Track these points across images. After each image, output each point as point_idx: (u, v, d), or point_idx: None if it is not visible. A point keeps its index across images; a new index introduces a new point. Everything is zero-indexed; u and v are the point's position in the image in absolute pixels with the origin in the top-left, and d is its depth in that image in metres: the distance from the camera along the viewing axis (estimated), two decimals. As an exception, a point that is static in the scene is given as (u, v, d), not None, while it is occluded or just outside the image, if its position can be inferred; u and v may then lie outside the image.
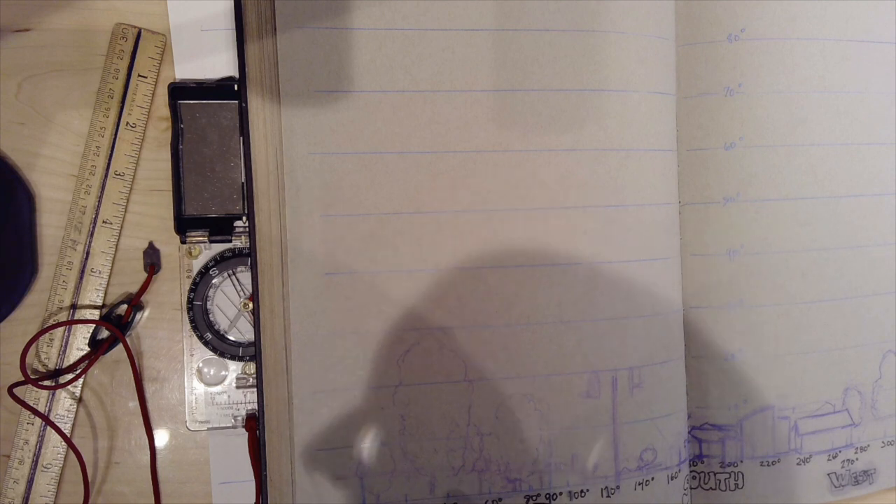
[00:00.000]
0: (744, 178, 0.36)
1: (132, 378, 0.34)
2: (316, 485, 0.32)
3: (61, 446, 0.33)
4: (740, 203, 0.36)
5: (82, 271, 0.34)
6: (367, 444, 0.33)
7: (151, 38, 0.34)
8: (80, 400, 0.34)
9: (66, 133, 0.34)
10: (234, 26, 0.32)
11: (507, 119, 0.33)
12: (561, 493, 0.34)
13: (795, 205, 0.36)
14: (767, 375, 0.36)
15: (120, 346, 0.34)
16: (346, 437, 0.33)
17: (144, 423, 0.34)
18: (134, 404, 0.34)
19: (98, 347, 0.33)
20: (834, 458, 0.37)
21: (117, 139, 0.34)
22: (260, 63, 0.32)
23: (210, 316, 0.34)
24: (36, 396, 0.33)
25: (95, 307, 0.34)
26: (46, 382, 0.33)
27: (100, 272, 0.34)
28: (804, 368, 0.37)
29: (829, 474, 0.37)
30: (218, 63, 0.34)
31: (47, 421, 0.33)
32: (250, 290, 0.34)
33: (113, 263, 0.34)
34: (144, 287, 0.34)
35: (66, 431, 0.34)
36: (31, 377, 0.33)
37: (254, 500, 0.34)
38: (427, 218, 0.33)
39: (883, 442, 0.38)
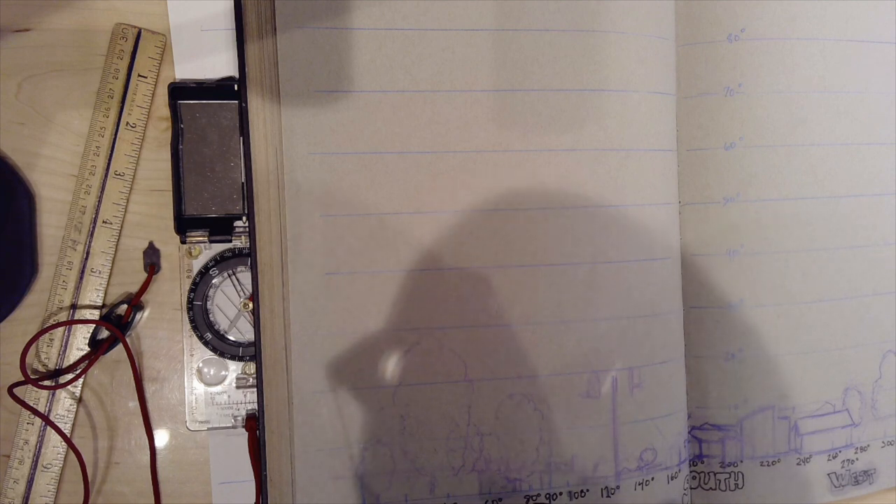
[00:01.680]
0: (744, 178, 0.36)
1: (132, 378, 0.34)
2: (316, 485, 0.32)
3: (61, 446, 0.33)
4: (740, 203, 0.36)
5: (82, 271, 0.34)
6: (367, 444, 0.33)
7: (151, 38, 0.34)
8: (80, 400, 0.34)
9: (66, 133, 0.34)
10: (234, 26, 0.32)
11: (507, 119, 0.33)
12: (561, 493, 0.34)
13: (795, 205, 0.36)
14: (767, 375, 0.36)
15: (120, 346, 0.34)
16: (345, 437, 0.33)
17: (144, 423, 0.34)
18: (134, 404, 0.34)
19: (98, 347, 0.33)
20: (834, 458, 0.37)
21: (117, 139, 0.34)
22: (260, 63, 0.32)
23: (210, 316, 0.34)
24: (36, 396, 0.33)
25: (95, 307, 0.34)
26: (46, 382, 0.33)
27: (100, 272, 0.34)
28: (804, 368, 0.37)
29: (829, 474, 0.37)
30: (218, 63, 0.34)
31: (47, 421, 0.33)
32: (250, 290, 0.34)
33: (113, 263, 0.34)
34: (144, 287, 0.34)
35: (66, 431, 0.34)
36: (31, 377, 0.33)
37: (254, 500, 0.34)
38: (427, 218, 0.33)
39: (883, 442, 0.38)
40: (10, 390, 0.32)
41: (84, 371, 0.33)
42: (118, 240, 0.34)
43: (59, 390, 0.34)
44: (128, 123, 0.34)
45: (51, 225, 0.34)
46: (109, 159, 0.34)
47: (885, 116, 0.37)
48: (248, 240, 0.34)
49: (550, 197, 0.34)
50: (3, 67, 0.33)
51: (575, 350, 0.34)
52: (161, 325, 0.35)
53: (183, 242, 0.34)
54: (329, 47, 0.32)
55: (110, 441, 0.34)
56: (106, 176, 0.34)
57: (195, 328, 0.34)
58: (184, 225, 0.34)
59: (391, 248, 0.33)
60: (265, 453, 0.32)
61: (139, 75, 0.34)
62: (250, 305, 0.34)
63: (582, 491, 0.34)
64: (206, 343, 0.34)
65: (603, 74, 0.34)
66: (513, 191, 0.34)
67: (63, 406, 0.34)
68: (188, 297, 0.34)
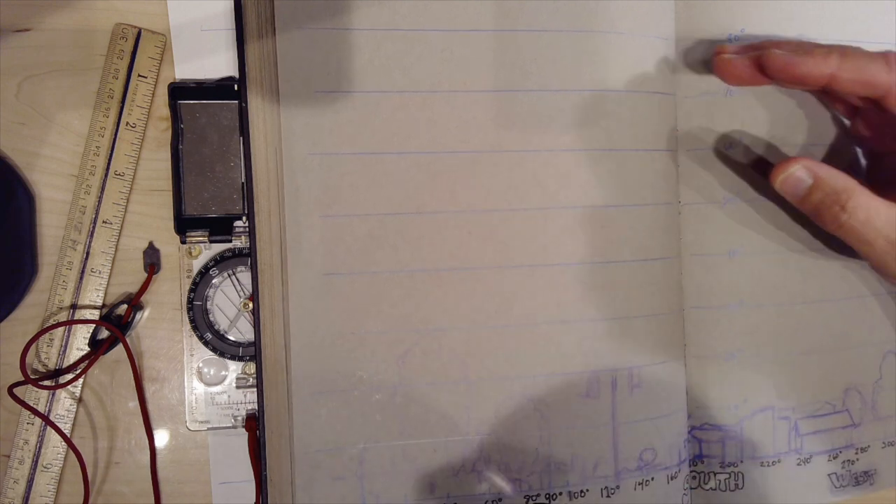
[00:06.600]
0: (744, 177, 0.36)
1: (132, 378, 0.34)
2: (316, 485, 0.32)
3: (61, 446, 0.34)
4: (740, 203, 0.36)
5: (82, 271, 0.34)
6: (367, 445, 0.33)
7: (151, 38, 0.34)
8: (80, 400, 0.34)
9: (66, 133, 0.34)
10: (234, 26, 0.32)
11: (506, 119, 0.33)
12: (561, 494, 0.34)
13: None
14: (767, 375, 0.36)
15: (120, 346, 0.34)
16: (345, 438, 0.33)
17: (144, 423, 0.34)
18: (134, 404, 0.34)
19: (98, 347, 0.34)
20: (834, 458, 0.37)
21: (117, 139, 0.34)
22: (260, 63, 0.32)
23: (210, 316, 0.34)
24: (36, 396, 0.33)
25: (95, 307, 0.34)
26: (46, 382, 0.33)
27: (100, 272, 0.34)
28: (804, 368, 0.37)
29: (829, 475, 0.37)
30: (218, 63, 0.34)
31: (47, 421, 0.33)
32: (250, 290, 0.34)
33: (113, 263, 0.34)
34: (144, 287, 0.34)
35: (66, 431, 0.34)
36: (31, 377, 0.33)
37: (254, 500, 0.34)
38: (426, 218, 0.33)
39: (883, 442, 0.38)
40: (10, 390, 0.32)
41: (84, 371, 0.33)
42: (118, 240, 0.34)
43: (59, 390, 0.34)
44: (128, 123, 0.34)
45: (51, 225, 0.34)
46: (109, 159, 0.34)
47: (885, 116, 0.37)
48: (248, 240, 0.34)
49: (550, 197, 0.34)
50: (3, 67, 0.33)
51: (575, 350, 0.34)
52: (161, 325, 0.35)
53: (183, 242, 0.34)
54: (328, 48, 0.32)
55: (110, 441, 0.34)
56: (106, 176, 0.34)
57: (195, 328, 0.34)
58: (184, 225, 0.34)
59: (390, 249, 0.33)
60: (265, 453, 0.32)
61: (139, 75, 0.34)
62: (250, 305, 0.34)
63: (582, 491, 0.34)
64: (206, 343, 0.34)
65: (603, 74, 0.34)
66: (512, 191, 0.34)
67: (63, 406, 0.34)
68: (188, 297, 0.34)
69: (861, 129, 0.35)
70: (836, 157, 0.36)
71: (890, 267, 0.32)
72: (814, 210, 0.32)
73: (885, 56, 0.31)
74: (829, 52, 0.31)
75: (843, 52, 0.31)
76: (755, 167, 0.36)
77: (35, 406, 0.33)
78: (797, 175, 0.32)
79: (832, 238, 0.33)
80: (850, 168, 0.35)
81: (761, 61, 0.32)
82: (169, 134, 0.34)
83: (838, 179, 0.32)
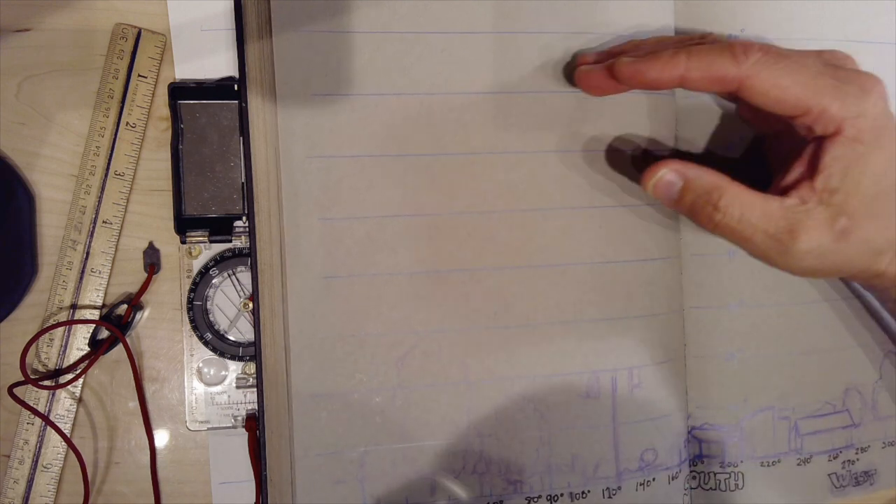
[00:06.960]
0: (744, 177, 0.36)
1: (132, 378, 0.34)
2: (317, 488, 0.32)
3: (61, 446, 0.34)
4: (740, 203, 0.36)
5: (82, 271, 0.34)
6: (368, 448, 0.33)
7: (151, 38, 0.34)
8: (80, 400, 0.34)
9: (66, 133, 0.34)
10: (234, 26, 0.32)
11: (504, 120, 0.33)
12: (562, 495, 0.34)
13: (796, 205, 0.36)
14: (767, 375, 0.36)
15: (120, 346, 0.34)
16: (345, 441, 0.32)
17: (144, 423, 0.34)
18: (134, 404, 0.34)
19: (98, 347, 0.33)
20: (835, 458, 0.37)
21: (117, 139, 0.34)
22: (260, 63, 0.32)
23: (210, 316, 0.34)
24: (36, 396, 0.33)
25: (95, 307, 0.34)
26: (46, 382, 0.33)
27: (100, 272, 0.34)
28: (804, 368, 0.37)
29: (829, 475, 0.37)
30: (218, 63, 0.34)
31: (47, 421, 0.33)
32: (250, 290, 0.34)
33: (113, 263, 0.34)
34: (144, 287, 0.34)
35: (66, 431, 0.34)
36: (31, 377, 0.33)
37: (254, 500, 0.34)
38: (425, 220, 0.33)
39: (884, 443, 0.38)
40: (10, 390, 0.32)
41: (84, 371, 0.33)
42: (118, 240, 0.34)
43: (59, 390, 0.34)
44: (128, 123, 0.34)
45: (51, 225, 0.34)
46: (109, 159, 0.34)
47: (885, 116, 0.37)
48: (248, 240, 0.34)
49: (549, 198, 0.34)
50: (3, 67, 0.33)
51: (575, 350, 0.34)
52: (161, 325, 0.35)
53: (183, 242, 0.34)
54: (326, 50, 0.32)
55: (110, 441, 0.34)
56: (106, 176, 0.34)
57: (195, 328, 0.34)
58: (184, 225, 0.34)
59: (390, 251, 0.33)
60: (265, 453, 0.32)
61: (139, 75, 0.34)
62: (250, 305, 0.34)
63: (583, 492, 0.34)
64: (206, 343, 0.34)
65: (603, 75, 0.34)
66: (511, 191, 0.33)
67: (63, 406, 0.34)
68: (188, 297, 0.34)
69: (744, 113, 0.34)
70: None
71: (775, 260, 0.30)
72: (688, 212, 0.31)
73: (731, 48, 0.29)
74: (676, 53, 0.30)
75: (690, 51, 0.30)
76: (755, 167, 0.36)
77: (35, 406, 0.33)
78: (667, 179, 0.31)
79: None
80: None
81: (611, 70, 0.31)
82: (169, 134, 0.34)
83: (708, 178, 0.30)
